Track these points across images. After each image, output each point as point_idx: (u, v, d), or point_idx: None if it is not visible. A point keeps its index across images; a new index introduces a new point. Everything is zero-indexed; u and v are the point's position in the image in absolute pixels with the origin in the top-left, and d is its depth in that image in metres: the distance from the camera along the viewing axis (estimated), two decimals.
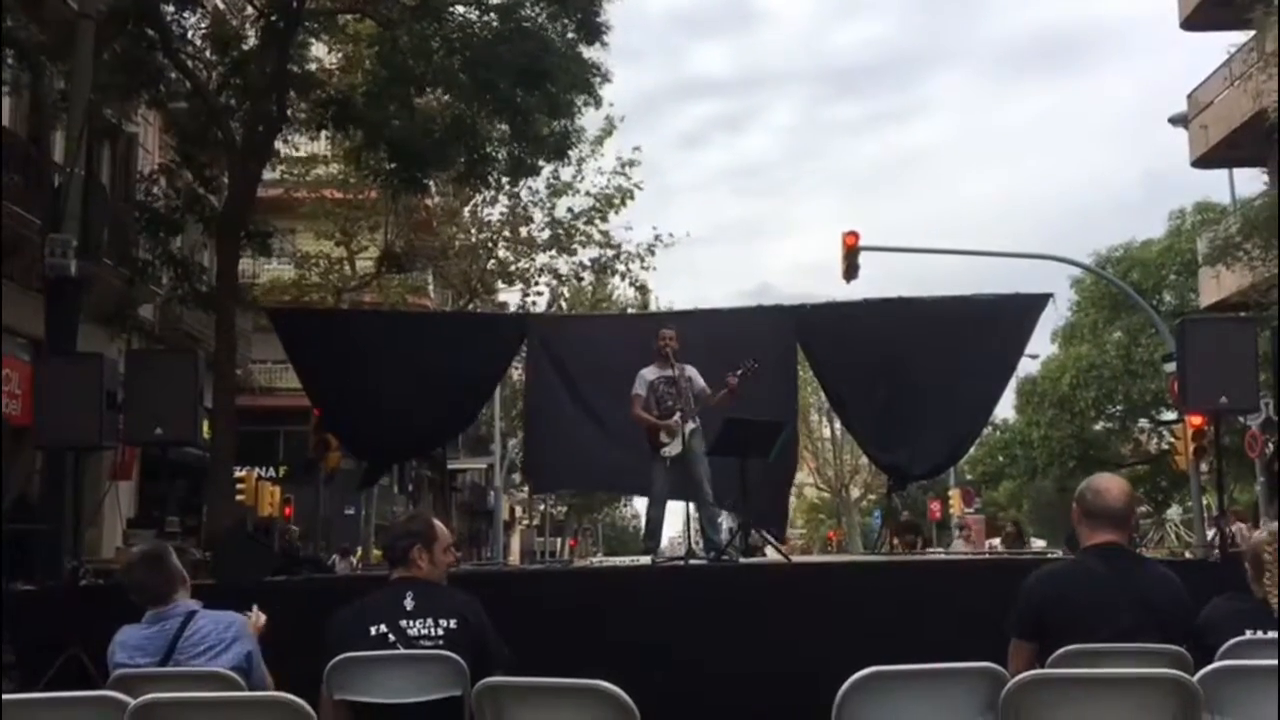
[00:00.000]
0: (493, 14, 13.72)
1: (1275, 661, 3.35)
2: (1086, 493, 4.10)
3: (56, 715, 3.47)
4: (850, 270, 20.39)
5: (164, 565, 4.38)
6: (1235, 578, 4.10)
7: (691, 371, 8.97)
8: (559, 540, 50.12)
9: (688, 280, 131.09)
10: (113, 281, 15.34)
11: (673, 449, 8.78)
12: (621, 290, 26.75)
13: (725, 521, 9.50)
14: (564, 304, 25.53)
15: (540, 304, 24.42)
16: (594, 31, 13.57)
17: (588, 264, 24.41)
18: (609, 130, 22.62)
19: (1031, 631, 3.89)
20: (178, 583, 4.34)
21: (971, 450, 25.81)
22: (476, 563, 16.12)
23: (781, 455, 9.54)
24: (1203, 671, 3.42)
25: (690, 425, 8.78)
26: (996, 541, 23.25)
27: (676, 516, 9.42)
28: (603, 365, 10.11)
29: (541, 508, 46.07)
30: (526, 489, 42.50)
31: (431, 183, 17.35)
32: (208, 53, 14.79)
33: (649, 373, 8.99)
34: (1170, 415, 28.78)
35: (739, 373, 8.77)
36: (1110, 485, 4.12)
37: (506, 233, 24.42)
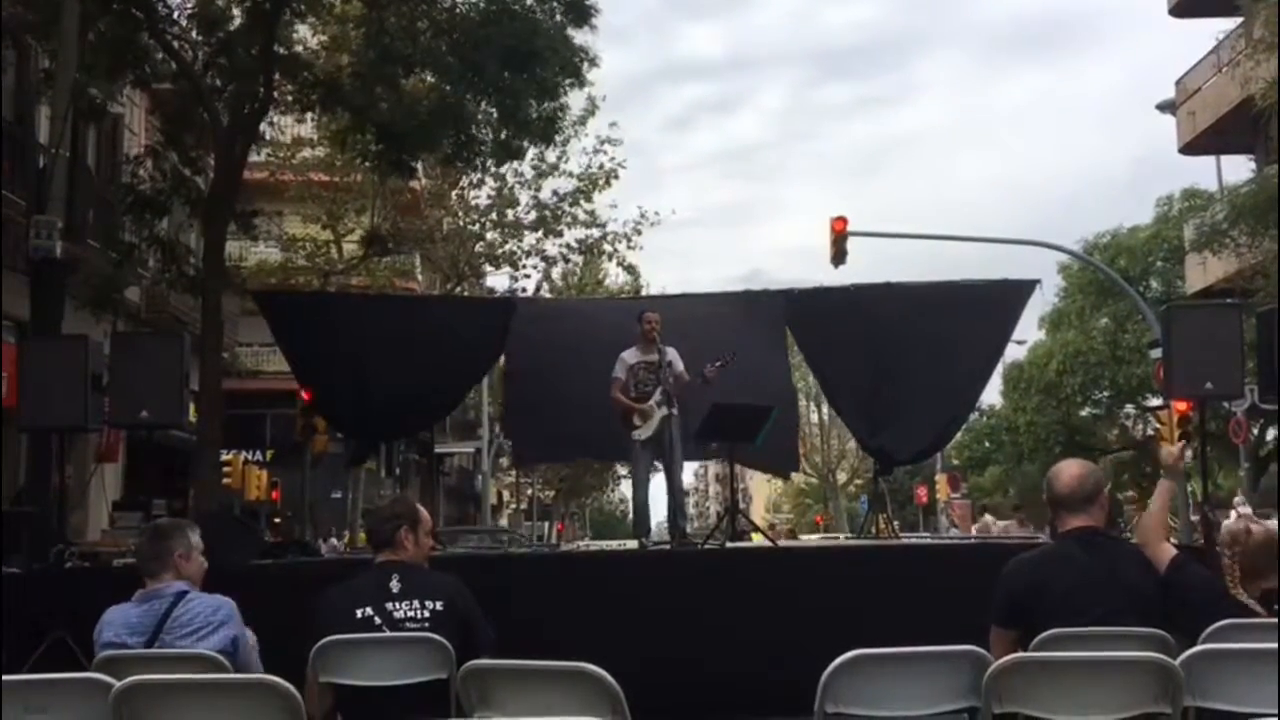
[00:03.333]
0: None
1: (1255, 646, 3.38)
2: (1046, 480, 4.11)
3: (42, 697, 3.45)
4: (838, 256, 20.37)
5: (160, 541, 4.33)
6: (1218, 564, 4.12)
7: (672, 355, 8.83)
8: (546, 524, 50.11)
9: (677, 264, 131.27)
10: (98, 264, 15.24)
11: (644, 432, 8.71)
12: (613, 275, 26.68)
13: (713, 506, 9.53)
14: (551, 288, 25.44)
15: (529, 287, 24.38)
16: (582, 14, 13.49)
17: (574, 245, 24.34)
18: (591, 110, 22.53)
19: (1010, 618, 3.90)
20: (168, 564, 4.28)
21: (958, 435, 25.87)
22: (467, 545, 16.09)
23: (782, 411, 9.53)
24: (1185, 655, 3.44)
25: (663, 412, 8.66)
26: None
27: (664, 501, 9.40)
28: (588, 345, 10.07)
29: (529, 492, 46.05)
30: (514, 473, 42.61)
31: (419, 165, 17.21)
32: (194, 33, 14.65)
33: (629, 355, 8.91)
34: (1156, 401, 28.86)
35: (717, 364, 8.67)
36: (1061, 471, 4.08)
37: (493, 215, 24.33)
